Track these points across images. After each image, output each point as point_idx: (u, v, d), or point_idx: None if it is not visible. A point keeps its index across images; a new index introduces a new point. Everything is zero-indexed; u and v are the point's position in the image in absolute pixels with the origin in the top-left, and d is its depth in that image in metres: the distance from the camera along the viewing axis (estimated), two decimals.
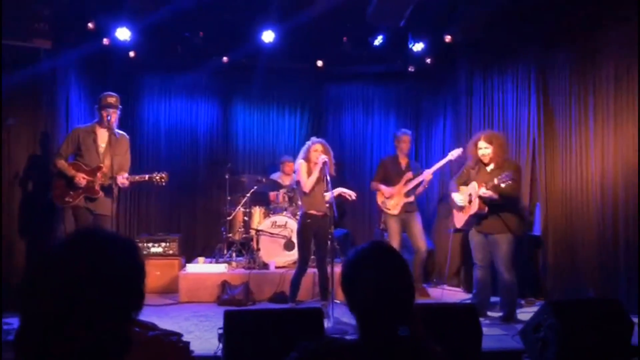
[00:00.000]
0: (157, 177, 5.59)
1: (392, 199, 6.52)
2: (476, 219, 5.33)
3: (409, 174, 6.56)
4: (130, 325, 1.21)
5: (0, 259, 5.18)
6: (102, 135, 5.53)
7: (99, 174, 5.40)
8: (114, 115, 5.47)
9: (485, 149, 5.21)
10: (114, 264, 1.17)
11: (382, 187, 6.60)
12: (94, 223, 5.39)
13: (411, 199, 6.52)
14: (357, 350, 1.59)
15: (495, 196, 5.06)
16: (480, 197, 5.17)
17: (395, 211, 6.50)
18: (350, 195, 6.01)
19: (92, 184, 5.38)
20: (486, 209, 5.19)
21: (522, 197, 5.31)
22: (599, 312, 3.61)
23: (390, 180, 6.61)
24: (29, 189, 5.93)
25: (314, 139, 5.73)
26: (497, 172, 5.10)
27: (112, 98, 5.51)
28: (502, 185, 4.93)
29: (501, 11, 6.34)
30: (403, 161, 6.71)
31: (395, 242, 6.37)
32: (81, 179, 5.35)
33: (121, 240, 1.25)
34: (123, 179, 5.41)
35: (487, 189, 5.07)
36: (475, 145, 5.30)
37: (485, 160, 5.25)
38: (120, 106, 5.55)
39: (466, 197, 5.39)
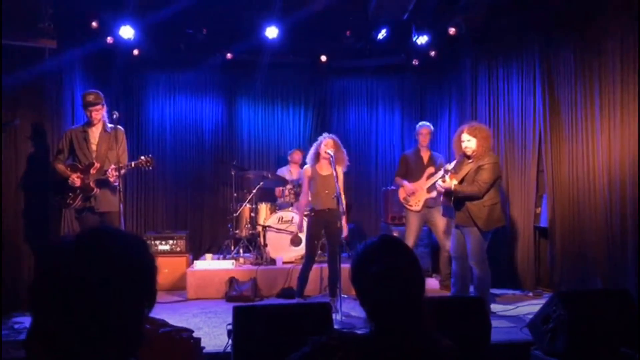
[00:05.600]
0: (142, 162, 5.45)
1: (414, 195, 6.38)
2: (452, 211, 5.23)
3: (431, 169, 6.40)
4: (142, 323, 1.21)
5: (0, 260, 5.17)
6: (94, 133, 5.50)
7: (92, 171, 5.37)
8: (96, 113, 5.42)
9: (468, 142, 5.05)
10: (125, 262, 1.17)
11: (406, 183, 6.42)
12: (101, 221, 5.37)
13: (433, 194, 6.27)
14: (367, 344, 1.60)
15: (450, 189, 5.04)
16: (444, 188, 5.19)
17: (417, 207, 6.36)
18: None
19: (87, 181, 5.35)
20: (441, 197, 5.31)
21: (497, 192, 5.04)
22: (608, 302, 3.61)
23: (412, 175, 6.46)
24: (34, 189, 5.93)
25: (325, 134, 5.73)
26: (474, 164, 5.03)
27: (91, 95, 5.42)
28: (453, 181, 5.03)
29: (504, 0, 6.31)
30: (425, 155, 6.52)
31: (411, 239, 6.27)
32: (75, 179, 5.33)
33: (130, 238, 1.25)
34: (111, 171, 5.32)
35: (445, 182, 5.10)
36: (459, 137, 5.16)
37: (468, 153, 5.09)
38: (102, 102, 5.45)
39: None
